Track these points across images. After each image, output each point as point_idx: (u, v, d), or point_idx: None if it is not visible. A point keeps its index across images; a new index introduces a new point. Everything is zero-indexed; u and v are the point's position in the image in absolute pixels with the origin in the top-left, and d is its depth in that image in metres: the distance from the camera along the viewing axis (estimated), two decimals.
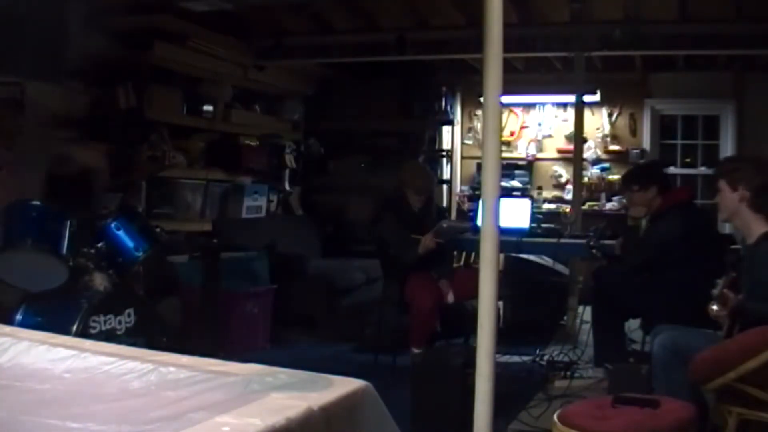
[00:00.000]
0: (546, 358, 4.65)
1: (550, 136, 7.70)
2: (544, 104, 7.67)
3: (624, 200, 7.17)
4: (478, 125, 7.70)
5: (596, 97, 7.24)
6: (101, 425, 1.39)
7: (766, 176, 3.10)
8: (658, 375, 3.06)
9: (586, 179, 7.13)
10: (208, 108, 6.20)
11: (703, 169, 7.47)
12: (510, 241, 4.73)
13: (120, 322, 3.66)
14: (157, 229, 4.34)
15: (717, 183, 3.15)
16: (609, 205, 7.31)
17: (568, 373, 4.35)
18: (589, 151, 7.37)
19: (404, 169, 4.91)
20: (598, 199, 7.36)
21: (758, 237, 2.98)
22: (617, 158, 7.45)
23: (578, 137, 6.17)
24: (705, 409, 2.89)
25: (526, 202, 5.46)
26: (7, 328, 2.26)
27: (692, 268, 3.63)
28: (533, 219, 5.47)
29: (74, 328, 3.39)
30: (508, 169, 7.55)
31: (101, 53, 5.26)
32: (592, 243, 4.49)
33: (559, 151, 7.61)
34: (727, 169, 3.16)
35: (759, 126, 6.95)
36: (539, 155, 7.69)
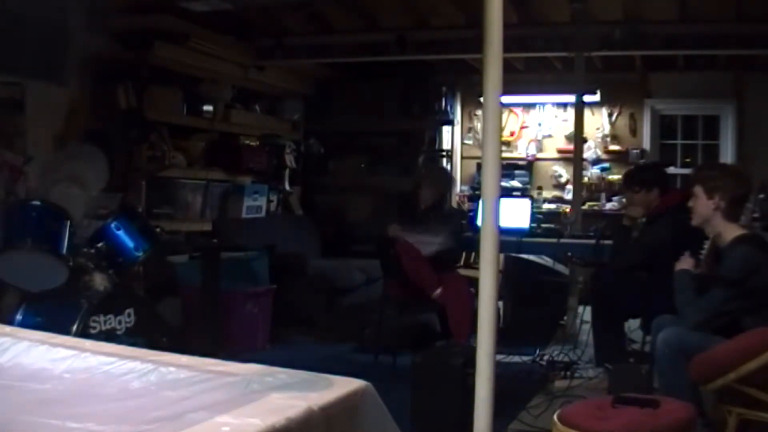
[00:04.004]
0: (546, 358, 4.64)
1: (550, 136, 7.70)
2: (544, 104, 7.67)
3: (624, 200, 7.21)
4: (478, 125, 7.70)
5: (596, 97, 7.24)
6: (101, 425, 1.39)
7: (742, 188, 3.18)
8: (660, 372, 3.06)
9: (586, 179, 7.13)
10: (208, 108, 6.20)
11: None
12: (510, 241, 4.73)
13: (120, 322, 3.66)
14: (157, 229, 4.34)
15: (693, 188, 3.20)
16: (609, 205, 7.31)
17: (568, 373, 4.35)
18: (589, 151, 7.37)
19: (423, 167, 5.04)
20: (598, 199, 7.36)
21: (731, 240, 3.05)
22: (617, 158, 7.45)
23: (578, 137, 6.16)
24: (701, 410, 2.90)
25: (526, 202, 5.47)
26: (7, 328, 2.26)
27: None
28: (533, 219, 5.48)
29: (74, 328, 3.39)
30: (508, 169, 7.55)
31: (101, 53, 5.27)
32: (574, 259, 4.57)
33: (559, 151, 7.61)
34: (705, 176, 3.21)
35: (759, 126, 6.96)
36: (539, 155, 7.70)
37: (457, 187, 7.98)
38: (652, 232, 4.09)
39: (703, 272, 3.15)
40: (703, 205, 3.13)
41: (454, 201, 7.84)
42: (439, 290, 4.54)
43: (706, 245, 3.21)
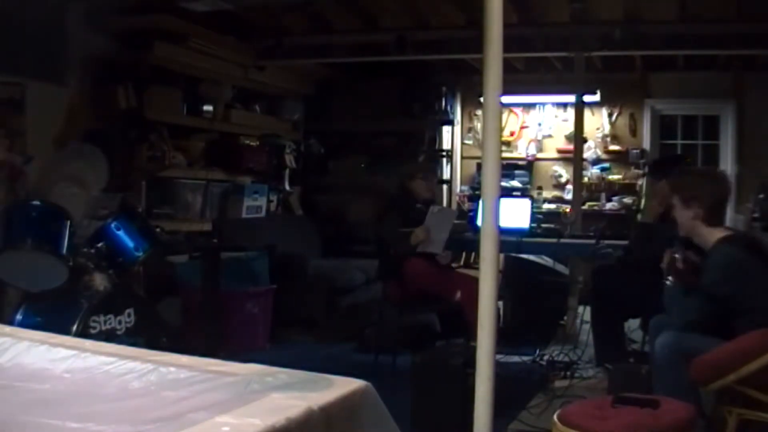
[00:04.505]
0: (546, 358, 4.64)
1: (550, 136, 7.70)
2: (544, 104, 7.67)
3: (624, 200, 7.23)
4: (478, 125, 7.70)
5: (596, 97, 7.24)
6: (101, 425, 1.39)
7: (720, 192, 3.12)
8: (659, 375, 3.06)
9: (586, 179, 7.13)
10: (208, 108, 6.20)
11: None
12: (510, 241, 4.73)
13: (120, 322, 3.66)
14: (157, 229, 4.34)
15: (671, 198, 3.16)
16: (609, 205, 7.31)
17: (568, 373, 4.35)
18: (589, 151, 7.37)
19: (410, 164, 5.12)
20: (598, 199, 7.36)
21: (714, 243, 3.01)
22: (617, 158, 7.45)
23: (578, 137, 6.17)
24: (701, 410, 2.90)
25: (526, 202, 5.46)
26: (7, 328, 2.26)
27: None
28: (533, 219, 5.48)
29: (74, 328, 3.39)
30: (508, 169, 7.55)
31: (101, 53, 5.28)
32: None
33: (559, 151, 7.61)
34: (680, 185, 3.15)
35: (759, 126, 6.96)
36: (539, 155, 7.70)
37: (457, 187, 7.98)
38: (668, 228, 4.06)
39: (682, 276, 3.10)
40: (683, 215, 3.08)
41: (454, 201, 7.85)
42: (458, 294, 4.53)
43: (667, 257, 3.16)
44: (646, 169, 6.64)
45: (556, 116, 7.66)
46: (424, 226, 4.59)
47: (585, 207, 6.75)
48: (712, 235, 3.04)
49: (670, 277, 3.09)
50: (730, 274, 2.90)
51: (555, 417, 2.48)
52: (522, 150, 7.73)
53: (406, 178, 4.87)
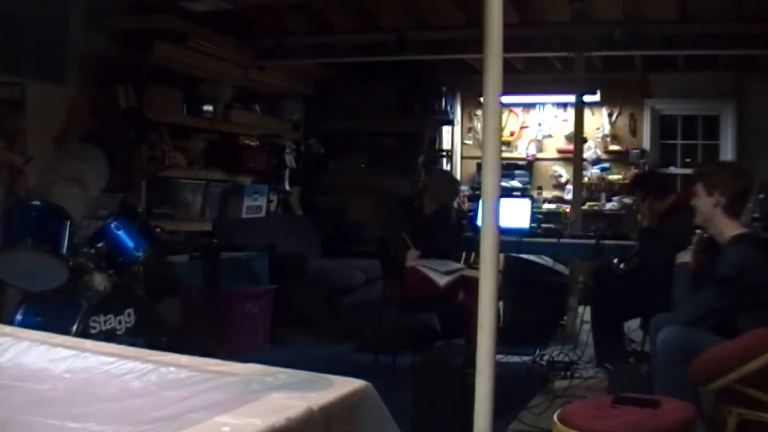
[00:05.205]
0: (546, 358, 4.64)
1: (550, 136, 7.70)
2: (544, 104, 7.67)
3: (624, 200, 7.22)
4: (478, 125, 7.70)
5: (596, 97, 7.24)
6: (101, 425, 1.39)
7: (743, 183, 3.16)
8: (658, 372, 3.06)
9: (586, 179, 7.13)
10: (208, 108, 6.20)
11: None
12: (510, 241, 4.73)
13: (120, 322, 3.66)
14: (157, 229, 4.34)
15: (694, 186, 3.20)
16: (609, 205, 7.32)
17: (568, 373, 4.36)
18: (589, 151, 7.38)
19: (430, 175, 5.15)
20: (598, 199, 7.36)
21: (729, 238, 3.04)
22: (617, 158, 7.46)
23: (578, 137, 6.17)
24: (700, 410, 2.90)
25: (526, 202, 5.46)
26: (7, 328, 2.26)
27: None
28: (533, 219, 5.48)
29: (74, 328, 3.39)
30: (508, 169, 7.55)
31: (101, 53, 5.28)
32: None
33: (559, 151, 7.61)
34: (705, 173, 3.21)
35: (759, 126, 6.96)
36: (539, 155, 7.70)
37: None
38: (669, 230, 4.05)
39: (695, 267, 3.15)
40: (704, 203, 3.12)
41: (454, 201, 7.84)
42: (461, 294, 4.52)
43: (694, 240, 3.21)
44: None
45: (556, 116, 7.67)
46: (416, 252, 4.67)
47: (585, 207, 6.76)
48: (729, 228, 3.06)
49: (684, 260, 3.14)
50: (742, 272, 2.93)
51: (555, 417, 2.48)
52: (522, 150, 7.73)
53: (417, 190, 4.96)
